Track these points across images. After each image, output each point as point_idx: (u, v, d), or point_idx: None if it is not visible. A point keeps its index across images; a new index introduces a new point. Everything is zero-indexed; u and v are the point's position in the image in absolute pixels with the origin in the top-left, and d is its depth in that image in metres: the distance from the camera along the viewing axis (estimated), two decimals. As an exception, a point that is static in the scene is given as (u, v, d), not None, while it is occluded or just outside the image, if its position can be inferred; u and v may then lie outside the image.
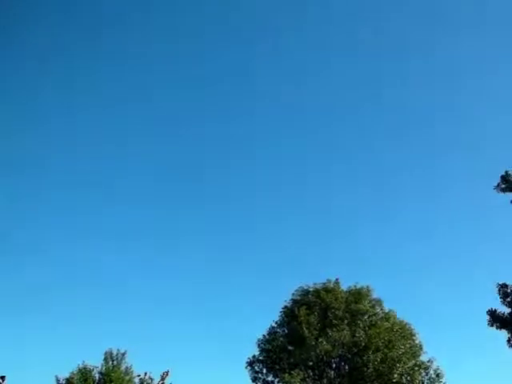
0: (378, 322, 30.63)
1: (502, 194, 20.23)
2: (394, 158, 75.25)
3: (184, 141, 76.33)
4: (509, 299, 18.25)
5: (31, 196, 69.79)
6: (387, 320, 30.83)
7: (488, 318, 18.57)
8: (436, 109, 76.04)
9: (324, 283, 32.89)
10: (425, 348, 30.69)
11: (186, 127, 77.15)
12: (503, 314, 18.37)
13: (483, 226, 65.66)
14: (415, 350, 30.36)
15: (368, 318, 31.47)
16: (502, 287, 18.44)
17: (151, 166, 74.80)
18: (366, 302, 31.86)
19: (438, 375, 29.76)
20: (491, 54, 73.66)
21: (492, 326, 18.60)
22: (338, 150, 77.29)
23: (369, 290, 32.36)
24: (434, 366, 29.97)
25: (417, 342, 30.72)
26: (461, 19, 73.03)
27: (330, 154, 76.42)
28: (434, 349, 31.15)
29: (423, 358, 30.44)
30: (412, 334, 30.71)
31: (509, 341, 18.83)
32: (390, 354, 29.06)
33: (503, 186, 20.09)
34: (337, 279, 32.95)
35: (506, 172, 20.23)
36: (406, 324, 31.14)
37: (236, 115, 76.93)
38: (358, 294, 32.04)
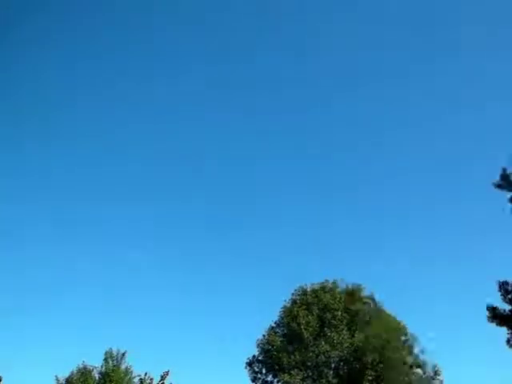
0: (373, 321, 30.90)
1: (500, 191, 20.26)
2: (396, 159, 75.95)
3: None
4: (510, 296, 18.47)
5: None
6: (380, 317, 31.12)
7: (488, 313, 18.76)
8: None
9: (322, 283, 33.15)
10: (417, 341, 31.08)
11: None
12: (504, 310, 18.60)
13: (484, 224, 66.24)
14: (409, 344, 30.69)
15: (363, 316, 31.80)
16: (503, 285, 18.69)
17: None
18: (359, 301, 32.19)
19: (435, 372, 30.10)
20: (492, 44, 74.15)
21: (492, 321, 18.80)
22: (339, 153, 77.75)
23: (359, 289, 32.70)
24: (432, 363, 30.38)
25: (408, 335, 31.05)
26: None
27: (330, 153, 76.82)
28: (432, 347, 31.51)
29: (416, 350, 30.83)
30: (401, 328, 31.03)
31: (508, 341, 18.98)
32: (388, 353, 29.30)
33: (502, 183, 20.14)
34: (335, 280, 33.26)
35: (505, 170, 20.36)
36: (397, 320, 31.51)
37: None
38: (350, 294, 32.38)
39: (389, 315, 31.75)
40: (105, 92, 76.67)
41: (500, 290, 18.57)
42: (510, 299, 18.34)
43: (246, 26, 75.89)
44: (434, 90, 78.00)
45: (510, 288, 18.35)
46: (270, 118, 77.71)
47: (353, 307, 31.60)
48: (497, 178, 20.31)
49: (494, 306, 18.50)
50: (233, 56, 77.06)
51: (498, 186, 20.06)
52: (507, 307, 18.41)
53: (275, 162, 76.26)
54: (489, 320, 18.60)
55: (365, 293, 32.89)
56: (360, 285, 32.96)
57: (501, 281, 18.64)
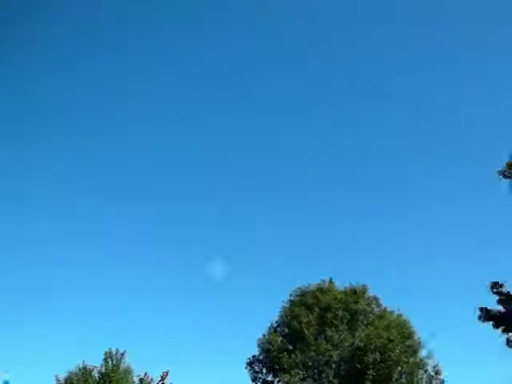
0: (376, 321, 30.62)
1: (504, 180, 19.22)
2: (393, 158, 75.38)
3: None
4: (503, 297, 18.06)
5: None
6: (383, 317, 30.81)
7: (479, 313, 18.36)
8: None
9: (318, 283, 32.91)
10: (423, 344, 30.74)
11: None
12: (497, 311, 18.19)
13: (484, 224, 65.29)
14: (415, 348, 30.36)
15: (365, 316, 31.54)
16: (496, 285, 18.28)
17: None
18: (362, 301, 31.95)
19: (436, 372, 29.78)
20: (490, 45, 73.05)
21: (482, 321, 18.39)
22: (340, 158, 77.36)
23: (364, 289, 32.45)
24: (433, 362, 30.03)
25: (416, 338, 30.71)
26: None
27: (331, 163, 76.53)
28: (433, 347, 31.10)
29: (422, 353, 30.50)
30: (411, 332, 30.70)
31: (508, 342, 18.63)
32: (390, 353, 29.05)
33: (508, 173, 19.13)
34: (331, 279, 33.03)
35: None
36: (404, 321, 31.13)
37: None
38: (353, 293, 32.15)
39: (392, 315, 31.50)
40: (105, 92, 76.92)
41: (492, 291, 18.17)
42: (502, 300, 17.96)
43: (247, 27, 75.69)
44: (434, 90, 76.97)
45: (501, 289, 17.94)
46: (271, 118, 77.23)
47: (356, 307, 31.39)
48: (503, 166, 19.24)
49: (485, 307, 18.10)
50: (233, 56, 76.86)
51: (505, 176, 19.06)
52: (500, 308, 18.04)
53: (275, 162, 75.97)
54: (480, 320, 18.18)
55: (369, 293, 32.71)
56: (365, 285, 32.77)
57: (493, 281, 18.24)
